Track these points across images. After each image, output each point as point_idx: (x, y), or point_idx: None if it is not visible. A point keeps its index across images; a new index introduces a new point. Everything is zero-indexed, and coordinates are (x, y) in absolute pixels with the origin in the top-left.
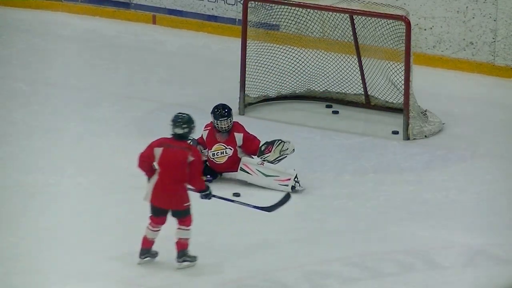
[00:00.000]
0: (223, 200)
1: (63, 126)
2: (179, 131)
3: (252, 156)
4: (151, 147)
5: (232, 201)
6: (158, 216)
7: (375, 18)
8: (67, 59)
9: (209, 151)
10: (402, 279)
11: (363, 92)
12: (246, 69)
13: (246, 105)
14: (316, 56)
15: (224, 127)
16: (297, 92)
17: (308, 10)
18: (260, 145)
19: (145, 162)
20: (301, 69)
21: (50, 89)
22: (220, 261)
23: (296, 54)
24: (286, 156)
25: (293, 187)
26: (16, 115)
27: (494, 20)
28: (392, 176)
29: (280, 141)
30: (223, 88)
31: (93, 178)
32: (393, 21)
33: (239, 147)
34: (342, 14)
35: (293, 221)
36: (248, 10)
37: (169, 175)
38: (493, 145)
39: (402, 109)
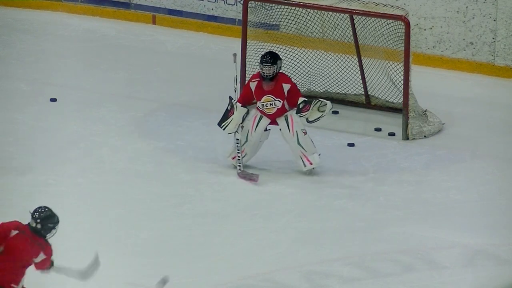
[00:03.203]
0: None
1: (63, 126)
2: (32, 224)
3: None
4: (7, 228)
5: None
6: None
7: (375, 18)
8: (67, 59)
9: (259, 102)
10: (402, 279)
11: (363, 92)
12: (246, 69)
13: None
14: (316, 56)
15: (267, 73)
16: None
17: (308, 10)
18: (299, 102)
19: None
20: (301, 69)
21: (50, 89)
22: (220, 261)
23: (296, 54)
24: (324, 115)
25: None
26: (16, 115)
27: (494, 20)
28: (392, 176)
29: (318, 100)
30: (223, 88)
31: (93, 178)
32: (393, 21)
33: (286, 97)
34: (342, 14)
35: (293, 221)
36: (248, 10)
37: (10, 261)
38: (493, 145)
39: (401, 109)
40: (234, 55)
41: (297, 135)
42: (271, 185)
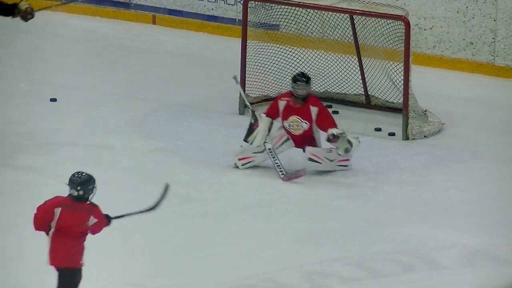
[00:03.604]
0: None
1: (63, 126)
2: (74, 193)
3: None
4: (49, 207)
5: (124, 215)
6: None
7: (375, 18)
8: (67, 59)
9: (285, 121)
10: (402, 279)
11: (363, 92)
12: (246, 69)
13: (246, 105)
14: (316, 56)
15: (300, 93)
16: None
17: (308, 10)
18: (329, 134)
19: (43, 224)
20: (301, 69)
21: (50, 89)
22: (220, 261)
23: (296, 54)
24: (352, 149)
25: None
26: (16, 115)
27: (494, 20)
28: (392, 176)
29: (345, 135)
30: (223, 88)
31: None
32: (393, 21)
33: (315, 121)
34: (342, 14)
35: (293, 221)
36: (248, 10)
37: (66, 236)
38: (493, 145)
39: (401, 109)
40: (235, 77)
41: (327, 159)
42: (271, 185)
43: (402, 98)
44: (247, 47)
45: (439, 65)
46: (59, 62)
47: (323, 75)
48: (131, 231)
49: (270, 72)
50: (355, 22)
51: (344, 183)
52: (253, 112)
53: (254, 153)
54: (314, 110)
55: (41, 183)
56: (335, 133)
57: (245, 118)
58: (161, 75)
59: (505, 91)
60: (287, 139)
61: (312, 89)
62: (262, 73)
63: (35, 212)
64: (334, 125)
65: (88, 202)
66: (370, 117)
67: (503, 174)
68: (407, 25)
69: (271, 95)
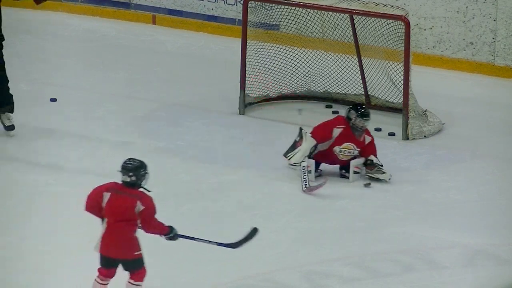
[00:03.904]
0: (188, 239)
1: (63, 126)
2: (126, 179)
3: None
4: (99, 190)
5: (196, 239)
6: (107, 267)
7: (375, 18)
8: (67, 59)
9: (337, 146)
10: (402, 279)
11: (363, 92)
12: (246, 69)
13: (246, 105)
14: (316, 56)
15: (362, 127)
16: (297, 92)
17: (308, 10)
18: (373, 159)
19: (92, 206)
20: (301, 69)
21: (50, 89)
22: (220, 261)
23: (296, 54)
24: (381, 179)
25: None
26: (16, 115)
27: (494, 20)
28: (392, 176)
29: (380, 168)
30: (223, 88)
31: (93, 178)
32: (393, 21)
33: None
34: (342, 14)
35: (293, 221)
36: (248, 10)
37: (114, 223)
38: (493, 145)
39: (402, 109)
40: (299, 110)
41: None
42: (271, 185)
43: (402, 98)
44: (247, 47)
45: (439, 65)
46: (59, 62)
47: (323, 75)
48: None
49: (270, 72)
50: (355, 22)
51: (344, 183)
52: (300, 130)
53: (305, 173)
54: (368, 140)
55: (41, 183)
56: (374, 161)
57: (245, 118)
58: (161, 75)
59: (505, 91)
60: (309, 172)
61: (312, 89)
62: (262, 73)
63: (89, 193)
64: (375, 153)
65: (139, 189)
66: (370, 117)
67: (503, 174)
68: (407, 25)
69: (271, 95)
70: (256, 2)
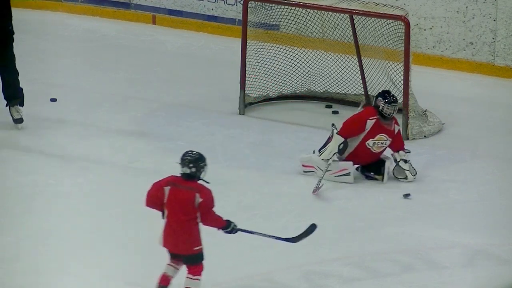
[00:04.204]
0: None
1: (63, 126)
2: (186, 171)
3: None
4: (159, 185)
5: (255, 233)
6: (174, 259)
7: (375, 18)
8: (67, 59)
9: (371, 139)
10: (402, 279)
11: (363, 92)
12: (246, 69)
13: (246, 105)
14: (316, 56)
15: (392, 113)
16: (297, 92)
17: (308, 10)
18: (401, 157)
19: (153, 201)
20: (301, 69)
21: (50, 89)
22: (220, 261)
23: (296, 54)
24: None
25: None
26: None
27: (494, 20)
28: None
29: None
30: (223, 88)
31: (93, 178)
32: (393, 21)
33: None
34: (342, 14)
35: (293, 221)
36: (248, 10)
37: (175, 216)
38: (493, 145)
39: (401, 109)
40: (333, 125)
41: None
42: (271, 185)
43: (402, 98)
44: (247, 47)
45: (439, 65)
46: (59, 62)
47: (323, 75)
48: (132, 231)
49: (270, 72)
50: (355, 22)
51: (344, 183)
52: (333, 125)
53: (318, 167)
54: (397, 128)
55: (41, 183)
56: (406, 160)
57: (245, 118)
58: (161, 75)
59: (505, 91)
60: (347, 174)
61: (312, 89)
62: (262, 73)
63: (149, 189)
64: (403, 145)
65: (198, 181)
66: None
67: (503, 174)
68: (407, 25)
69: (271, 95)
70: (256, 2)
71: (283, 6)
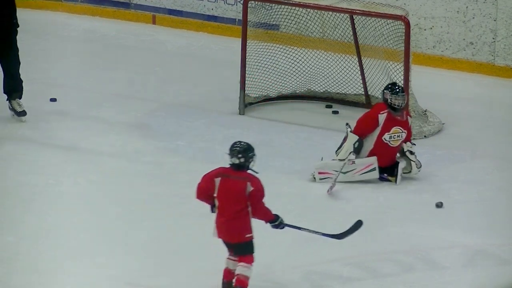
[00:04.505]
0: (294, 229)
1: (63, 126)
2: (235, 161)
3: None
4: (209, 177)
5: (302, 228)
6: (229, 249)
7: (375, 18)
8: (67, 59)
9: (387, 133)
10: (402, 279)
11: (363, 92)
12: (246, 69)
13: (246, 105)
14: (316, 56)
15: (401, 104)
16: (297, 92)
17: (308, 10)
18: (411, 149)
19: (204, 193)
20: (301, 69)
21: (50, 89)
22: (220, 261)
23: (296, 54)
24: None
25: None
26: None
27: (494, 20)
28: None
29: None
30: (223, 88)
31: (93, 178)
32: (393, 21)
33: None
34: (342, 14)
35: (293, 221)
36: (248, 10)
37: (227, 207)
38: (493, 145)
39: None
40: (347, 125)
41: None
42: (271, 185)
43: None
44: (247, 47)
45: (439, 65)
46: (59, 62)
47: (323, 75)
48: (132, 231)
49: (270, 72)
50: (355, 22)
51: (344, 183)
52: (347, 125)
53: (334, 170)
54: (410, 120)
55: (41, 183)
56: (412, 151)
57: (245, 118)
58: (161, 75)
59: (505, 91)
60: (373, 169)
61: (312, 89)
62: (262, 73)
63: (199, 181)
64: (411, 136)
65: (247, 171)
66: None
67: (503, 174)
68: (407, 25)
69: (271, 95)
70: (256, 2)
71: (283, 6)
